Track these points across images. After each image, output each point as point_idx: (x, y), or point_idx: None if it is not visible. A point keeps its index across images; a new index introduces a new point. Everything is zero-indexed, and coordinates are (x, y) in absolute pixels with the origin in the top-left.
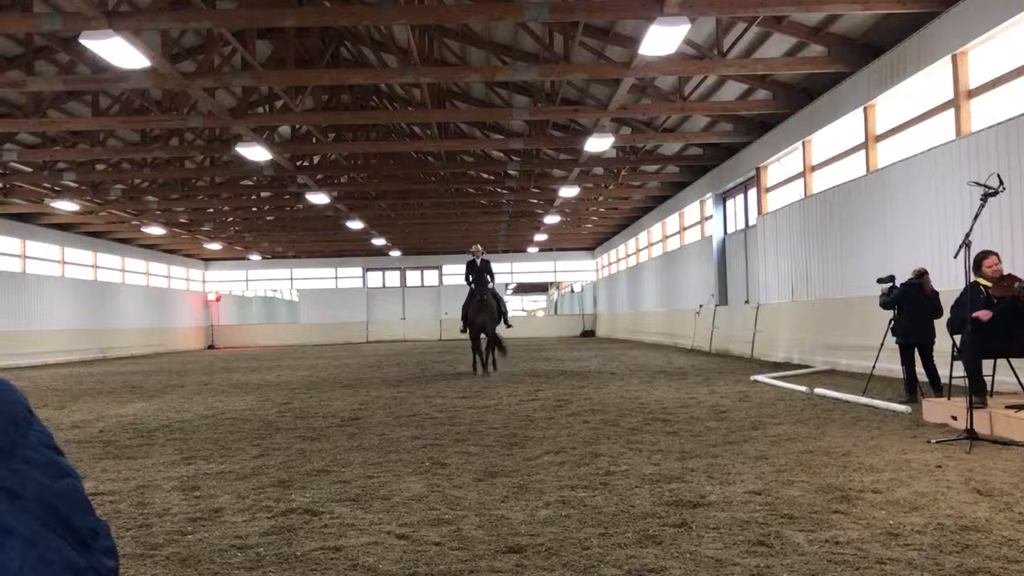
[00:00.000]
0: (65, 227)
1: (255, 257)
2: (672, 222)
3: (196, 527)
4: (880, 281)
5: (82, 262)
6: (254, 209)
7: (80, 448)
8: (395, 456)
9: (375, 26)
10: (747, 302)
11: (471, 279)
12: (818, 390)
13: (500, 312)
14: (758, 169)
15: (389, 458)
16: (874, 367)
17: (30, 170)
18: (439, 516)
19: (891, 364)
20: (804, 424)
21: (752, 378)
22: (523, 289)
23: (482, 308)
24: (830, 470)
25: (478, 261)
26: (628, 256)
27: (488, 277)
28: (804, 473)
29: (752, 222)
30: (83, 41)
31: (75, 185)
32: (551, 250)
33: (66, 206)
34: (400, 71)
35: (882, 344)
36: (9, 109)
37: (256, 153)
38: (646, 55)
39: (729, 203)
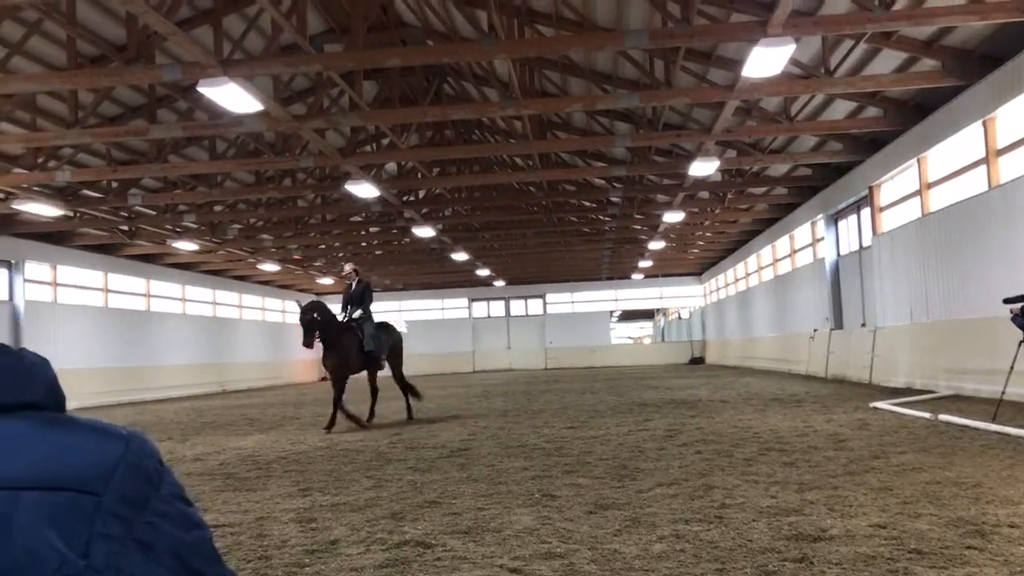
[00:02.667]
0: (186, 266)
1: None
2: (782, 245)
3: (313, 559)
4: (1007, 301)
5: (202, 299)
6: (363, 244)
7: (202, 480)
8: (505, 488)
9: (477, 62)
10: (864, 325)
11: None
12: (943, 417)
13: (366, 350)
14: (871, 188)
15: (499, 489)
16: (1004, 392)
17: (153, 213)
18: (551, 550)
19: (1023, 388)
20: (929, 453)
21: (871, 405)
22: (628, 316)
23: (333, 348)
24: (960, 502)
25: (352, 285)
26: (737, 280)
27: (360, 307)
28: (932, 505)
29: (866, 243)
30: (201, 89)
31: (195, 226)
32: (656, 276)
33: (186, 246)
34: (502, 104)
35: (1012, 367)
36: (134, 156)
37: (364, 190)
38: (750, 77)
39: (841, 224)
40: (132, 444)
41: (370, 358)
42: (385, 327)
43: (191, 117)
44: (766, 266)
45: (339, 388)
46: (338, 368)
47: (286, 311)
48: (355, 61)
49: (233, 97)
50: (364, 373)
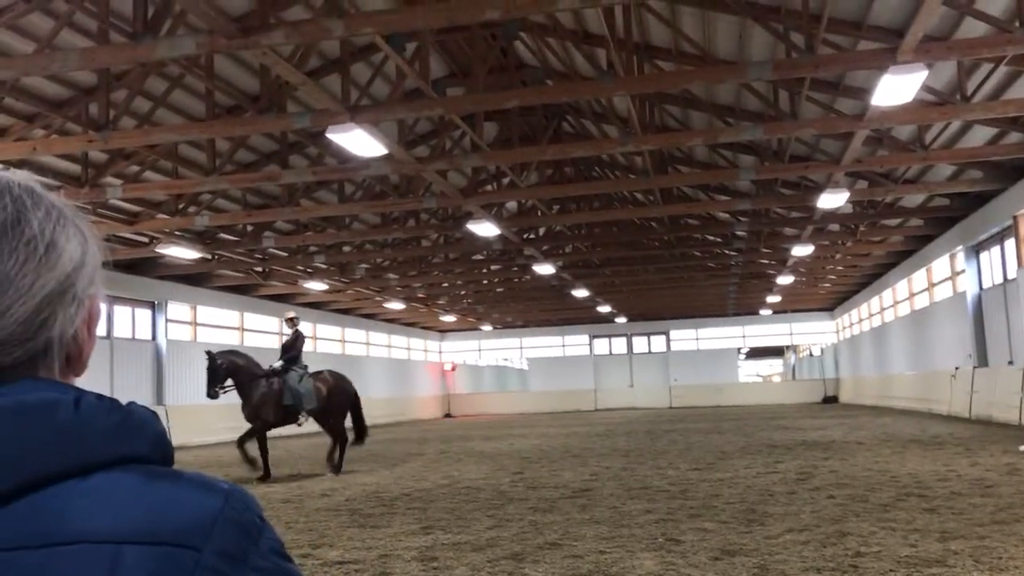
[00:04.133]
0: (316, 305)
1: (487, 327)
2: (919, 278)
3: None
4: None
5: (331, 337)
6: (485, 282)
7: (328, 516)
8: (627, 531)
9: (596, 99)
10: (1011, 363)
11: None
12: None
13: (284, 403)
14: (1015, 218)
15: (621, 532)
16: None
17: (285, 254)
18: None
19: None
20: None
21: (1021, 448)
22: (756, 353)
23: (246, 398)
24: None
25: (290, 333)
26: (871, 315)
27: (285, 358)
28: None
29: (1011, 275)
30: (329, 135)
31: (324, 266)
32: (785, 311)
33: (317, 286)
34: (621, 140)
35: None
36: (267, 200)
37: (486, 229)
38: (879, 106)
39: (983, 255)
40: (232, 499)
41: (290, 411)
42: (322, 378)
43: (320, 162)
44: (902, 300)
45: (250, 435)
46: (251, 419)
47: (411, 348)
48: (476, 103)
49: (360, 142)
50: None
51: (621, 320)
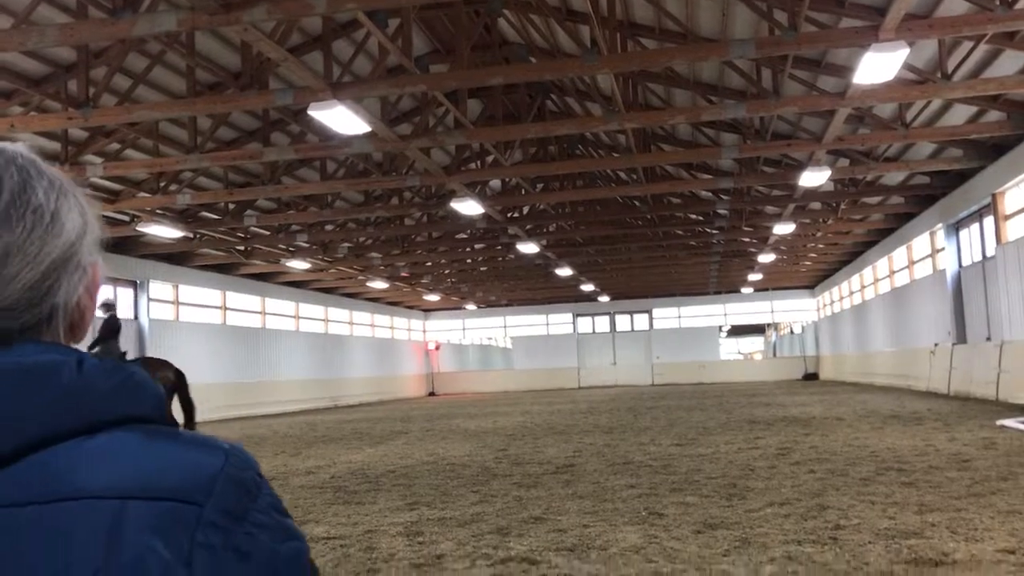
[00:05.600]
0: (298, 284)
1: (471, 306)
2: (899, 256)
3: (420, 573)
4: None
5: (314, 316)
6: (468, 260)
7: (313, 493)
8: (610, 505)
9: (579, 77)
10: (989, 339)
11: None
12: None
13: None
14: (994, 195)
15: (604, 507)
16: None
17: (268, 233)
18: (657, 569)
19: None
20: None
21: (999, 423)
22: (738, 331)
23: None
24: None
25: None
26: (852, 294)
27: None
28: None
29: (990, 252)
30: (311, 112)
31: (307, 245)
32: (767, 290)
33: (299, 265)
34: (605, 118)
35: None
36: (249, 178)
37: (469, 207)
38: (861, 84)
39: (963, 233)
40: (232, 457)
41: None
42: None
43: (303, 140)
44: (883, 278)
45: None
46: None
47: (395, 327)
48: (459, 80)
49: (342, 119)
50: None
51: (604, 299)
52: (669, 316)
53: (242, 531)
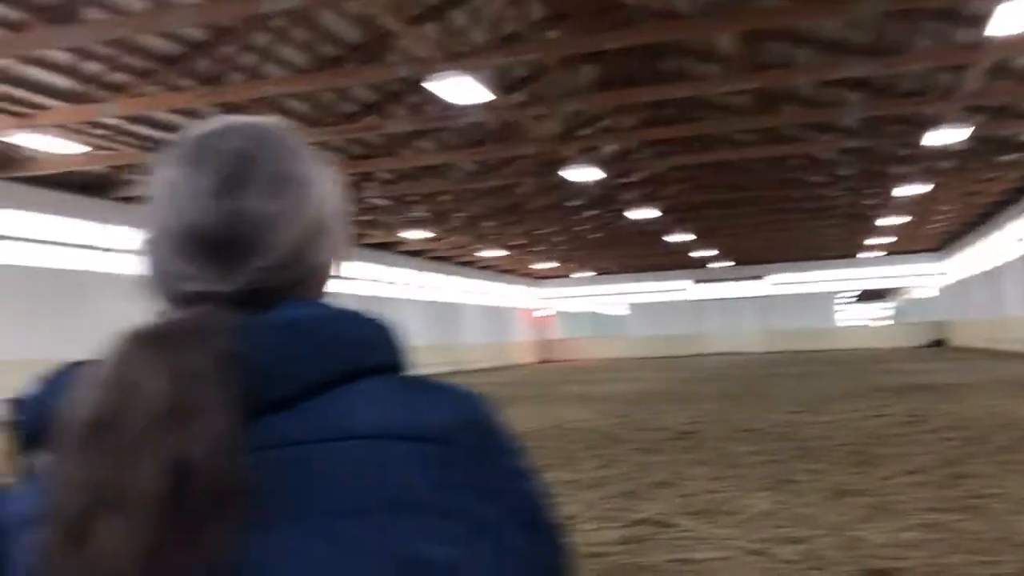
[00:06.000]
0: (416, 253)
1: (583, 273)
2: None
3: None
4: None
5: (431, 284)
6: (582, 227)
7: None
8: (735, 471)
9: (697, 39)
10: None
11: None
12: None
13: None
14: None
15: (728, 473)
16: None
17: (386, 203)
18: (790, 534)
19: None
20: None
21: None
22: (861, 296)
23: None
24: None
25: None
26: (984, 257)
27: None
28: None
29: None
30: (428, 84)
31: (424, 215)
32: (892, 253)
33: (416, 235)
34: (723, 80)
35: None
36: (368, 150)
37: (584, 174)
38: (995, 36)
39: None
40: (477, 402)
41: None
42: None
43: (420, 111)
44: (1019, 240)
45: None
46: None
47: (508, 295)
48: (575, 46)
49: (459, 89)
50: None
51: (722, 264)
52: (789, 281)
53: (490, 470)
